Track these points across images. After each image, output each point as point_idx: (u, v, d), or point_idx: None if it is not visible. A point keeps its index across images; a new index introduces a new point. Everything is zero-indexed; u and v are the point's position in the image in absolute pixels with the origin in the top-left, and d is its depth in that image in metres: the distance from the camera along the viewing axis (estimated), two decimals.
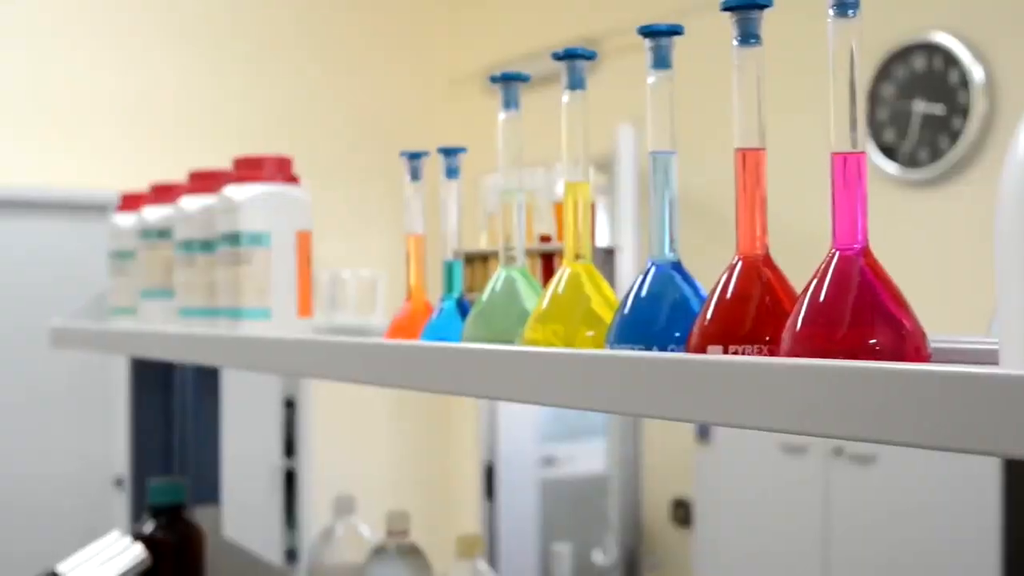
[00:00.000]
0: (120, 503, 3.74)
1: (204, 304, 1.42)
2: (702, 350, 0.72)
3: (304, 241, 1.32)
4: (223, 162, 1.46)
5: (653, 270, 0.80)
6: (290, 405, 4.17)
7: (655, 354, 0.73)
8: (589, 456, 4.23)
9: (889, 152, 3.02)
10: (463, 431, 4.53)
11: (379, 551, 1.48)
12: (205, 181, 1.47)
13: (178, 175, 1.60)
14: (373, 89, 4.54)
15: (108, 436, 3.74)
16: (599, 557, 3.56)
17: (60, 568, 1.58)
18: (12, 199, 3.73)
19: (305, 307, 1.30)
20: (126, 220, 1.70)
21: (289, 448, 4.17)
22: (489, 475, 4.21)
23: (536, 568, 4.06)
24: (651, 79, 0.80)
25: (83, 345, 1.78)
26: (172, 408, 1.96)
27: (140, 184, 1.76)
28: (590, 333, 0.84)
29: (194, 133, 4.07)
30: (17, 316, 3.62)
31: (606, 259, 1.17)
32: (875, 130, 3.03)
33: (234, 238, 1.30)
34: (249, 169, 1.34)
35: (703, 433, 3.12)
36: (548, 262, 1.16)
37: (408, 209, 1.14)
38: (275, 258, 1.29)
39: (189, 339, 1.36)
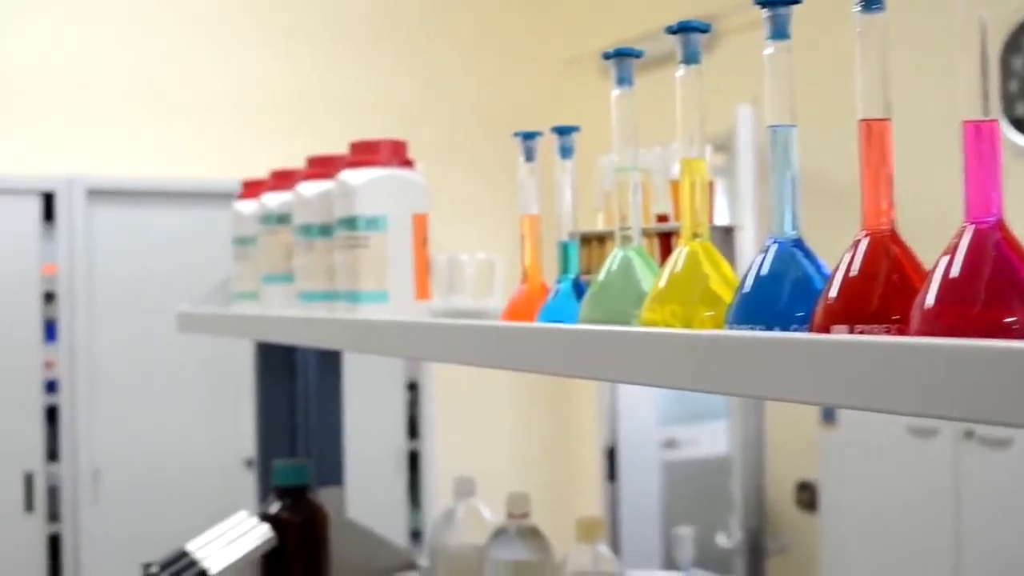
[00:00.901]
0: (250, 484, 3.84)
1: (323, 288, 1.43)
2: (826, 330, 0.69)
3: (420, 224, 1.32)
4: (340, 148, 1.47)
5: (774, 247, 0.78)
6: (412, 387, 4.21)
7: (777, 334, 0.70)
8: (711, 438, 4.18)
9: (1021, 125, 2.91)
10: (584, 413, 4.52)
11: (500, 533, 1.49)
12: (323, 166, 1.49)
13: (297, 162, 1.62)
14: (488, 72, 4.55)
15: (238, 418, 3.83)
16: (722, 540, 3.52)
17: (189, 547, 1.62)
18: (142, 190, 3.84)
19: (423, 290, 1.31)
20: (247, 207, 1.73)
21: (412, 430, 4.22)
22: (610, 457, 4.19)
23: (658, 551, 4.04)
24: (769, 50, 0.78)
25: (208, 329, 1.82)
26: (296, 391, 1.99)
27: (261, 172, 1.79)
28: (709, 313, 0.82)
29: (311, 120, 4.13)
30: (151, 302, 3.72)
31: (725, 238, 1.14)
32: (1006, 103, 2.92)
33: (351, 222, 1.31)
34: (365, 153, 1.35)
35: (828, 415, 3.05)
36: (665, 242, 1.14)
37: (522, 190, 1.13)
38: (392, 241, 1.29)
39: (309, 323, 1.37)
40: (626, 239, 0.94)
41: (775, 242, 0.78)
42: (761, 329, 0.75)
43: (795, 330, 0.74)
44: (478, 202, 4.38)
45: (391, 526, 3.59)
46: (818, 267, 0.78)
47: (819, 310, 0.71)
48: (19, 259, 3.61)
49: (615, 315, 0.90)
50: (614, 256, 0.94)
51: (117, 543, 3.69)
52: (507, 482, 2.04)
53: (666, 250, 1.13)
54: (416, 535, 4.16)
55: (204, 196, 3.85)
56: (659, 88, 1.38)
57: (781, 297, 0.76)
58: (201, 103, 4.05)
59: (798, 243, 0.78)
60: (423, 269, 1.32)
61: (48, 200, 3.67)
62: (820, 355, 0.65)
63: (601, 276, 0.94)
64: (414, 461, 4.24)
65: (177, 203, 3.87)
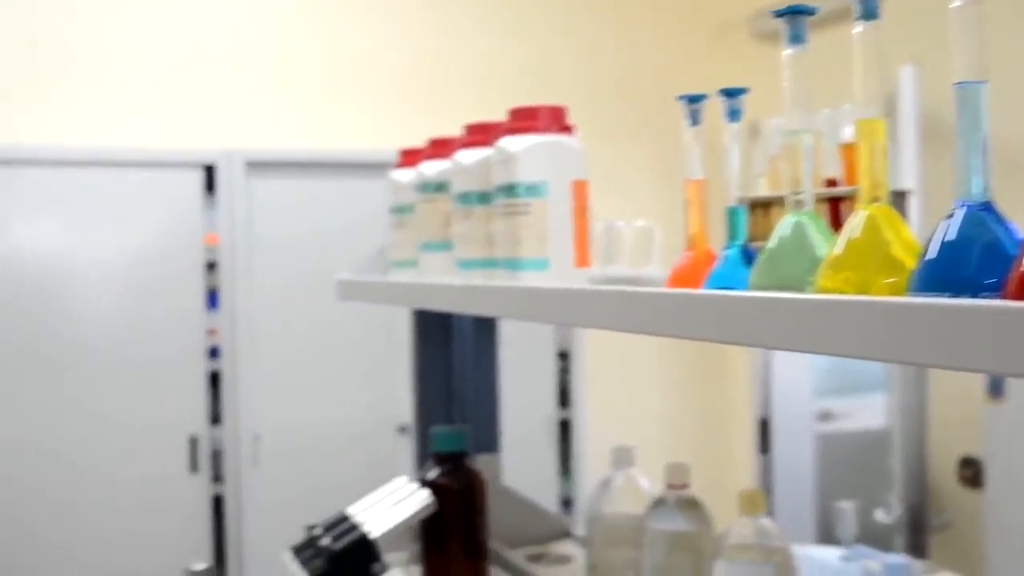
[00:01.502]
0: (404, 450, 3.91)
1: (482, 255, 1.43)
2: (1021, 298, 0.66)
3: (580, 190, 1.31)
4: (497, 116, 1.47)
5: (962, 211, 0.74)
6: (563, 357, 4.22)
7: (969, 302, 0.67)
8: (868, 411, 4.07)
9: None
10: (735, 384, 4.46)
11: (659, 503, 1.47)
12: (481, 134, 1.48)
13: (454, 130, 1.62)
14: (640, 38, 4.49)
15: (392, 385, 3.90)
16: (881, 516, 3.43)
17: (350, 510, 1.65)
18: (300, 161, 3.93)
19: (583, 257, 1.29)
20: (405, 176, 1.74)
21: (563, 399, 4.23)
22: (763, 429, 4.13)
23: (812, 525, 3.96)
24: (957, 2, 0.74)
25: (367, 297, 1.84)
26: (452, 358, 2.00)
27: (416, 141, 1.80)
28: (889, 280, 0.79)
29: (468, 88, 4.15)
30: (308, 271, 3.81)
31: (896, 202, 1.10)
32: None
33: (511, 189, 1.31)
34: (524, 120, 1.34)
35: (995, 389, 2.93)
36: (834, 207, 1.10)
37: (687, 154, 1.10)
38: (552, 208, 1.28)
39: (469, 291, 1.38)
40: (798, 204, 0.91)
41: (963, 206, 0.74)
42: (948, 297, 0.71)
43: (985, 298, 0.70)
44: (632, 168, 4.34)
45: (542, 494, 3.61)
46: (1009, 232, 0.74)
47: (1014, 276, 0.67)
48: (182, 230, 3.74)
49: (788, 282, 0.87)
50: (786, 221, 0.91)
51: (276, 504, 3.81)
52: (657, 452, 2.02)
53: (835, 216, 1.09)
54: (567, 504, 4.18)
55: (360, 166, 3.92)
56: (821, 48, 1.33)
57: (970, 263, 0.72)
58: (357, 75, 4.11)
59: (988, 207, 0.74)
60: (583, 236, 1.30)
61: (209, 172, 3.79)
62: (1015, 324, 0.61)
63: (773, 242, 0.91)
64: (565, 430, 4.25)
65: (334, 173, 3.94)
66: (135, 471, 3.69)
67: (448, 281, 1.49)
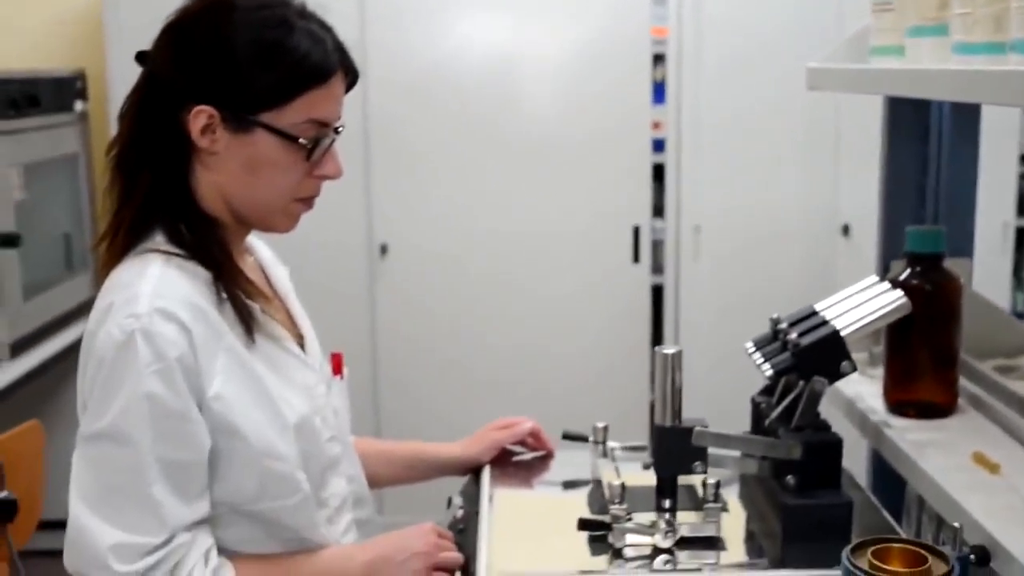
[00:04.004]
0: (845, 250, 3.79)
1: (986, 39, 1.30)
2: None
3: None
4: None
5: None
6: None
7: None
8: None
9: None
10: None
11: None
12: None
13: None
14: None
15: (838, 183, 3.76)
16: None
17: (818, 306, 1.61)
18: None
19: None
20: None
21: (1023, 206, 3.92)
22: None
23: None
24: None
25: (842, 86, 1.75)
26: (927, 154, 1.88)
27: None
28: None
29: None
30: (757, 62, 3.71)
31: None
32: None
33: None
34: None
35: None
36: None
37: None
38: None
39: (979, 76, 1.25)
40: None
41: None
42: None
43: None
44: None
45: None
46: None
47: None
48: (629, 22, 3.73)
49: None
50: None
51: (713, 296, 3.85)
52: None
53: None
54: (1019, 317, 3.92)
55: None
56: None
57: None
58: None
59: None
60: None
61: None
62: None
63: None
64: (1020, 239, 3.95)
65: None
66: (581, 258, 3.84)
67: (946, 67, 1.37)
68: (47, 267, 3.47)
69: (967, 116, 1.86)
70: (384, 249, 3.81)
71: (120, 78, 3.41)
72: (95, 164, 3.66)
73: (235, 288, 1.38)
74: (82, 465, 1.31)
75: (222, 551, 1.36)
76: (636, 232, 3.81)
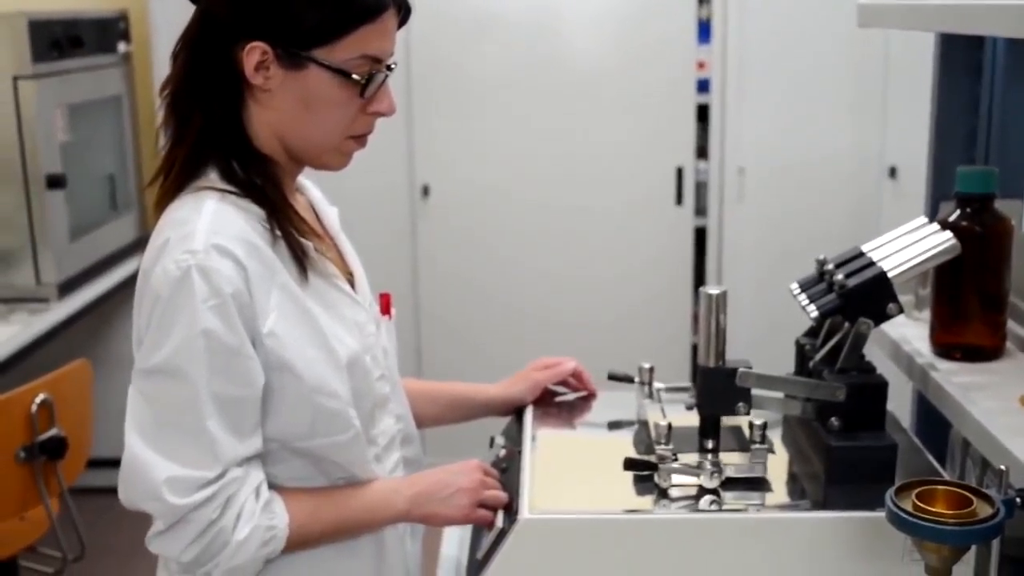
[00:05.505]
0: (890, 192, 3.75)
1: None
2: None
3: None
4: None
5: None
6: None
7: None
8: None
9: None
10: None
11: None
12: None
13: None
14: None
15: (884, 125, 3.71)
16: None
17: (864, 247, 1.60)
18: None
19: None
20: None
21: None
22: None
23: None
24: None
25: (890, 22, 1.71)
26: (979, 93, 1.84)
27: None
28: None
29: None
30: (804, 2, 3.66)
31: None
32: None
33: None
34: None
35: None
36: None
37: None
38: None
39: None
40: None
41: None
42: None
43: None
44: None
45: None
46: None
47: None
48: None
49: None
50: None
51: (756, 237, 3.82)
52: None
53: None
54: None
55: None
56: None
57: None
58: None
59: None
60: None
61: None
62: None
63: None
64: None
65: None
66: (624, 198, 3.82)
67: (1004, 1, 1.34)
68: (92, 208, 3.50)
69: (1022, 53, 1.82)
70: (426, 190, 3.81)
71: (163, 19, 3.42)
72: (139, 105, 3.68)
73: (288, 226, 1.39)
74: (138, 399, 1.33)
75: (272, 487, 1.38)
76: (679, 173, 3.79)
